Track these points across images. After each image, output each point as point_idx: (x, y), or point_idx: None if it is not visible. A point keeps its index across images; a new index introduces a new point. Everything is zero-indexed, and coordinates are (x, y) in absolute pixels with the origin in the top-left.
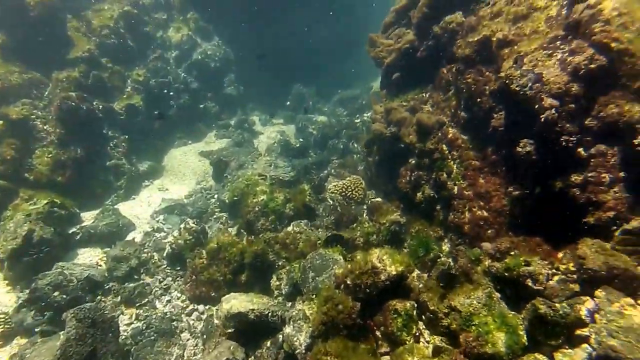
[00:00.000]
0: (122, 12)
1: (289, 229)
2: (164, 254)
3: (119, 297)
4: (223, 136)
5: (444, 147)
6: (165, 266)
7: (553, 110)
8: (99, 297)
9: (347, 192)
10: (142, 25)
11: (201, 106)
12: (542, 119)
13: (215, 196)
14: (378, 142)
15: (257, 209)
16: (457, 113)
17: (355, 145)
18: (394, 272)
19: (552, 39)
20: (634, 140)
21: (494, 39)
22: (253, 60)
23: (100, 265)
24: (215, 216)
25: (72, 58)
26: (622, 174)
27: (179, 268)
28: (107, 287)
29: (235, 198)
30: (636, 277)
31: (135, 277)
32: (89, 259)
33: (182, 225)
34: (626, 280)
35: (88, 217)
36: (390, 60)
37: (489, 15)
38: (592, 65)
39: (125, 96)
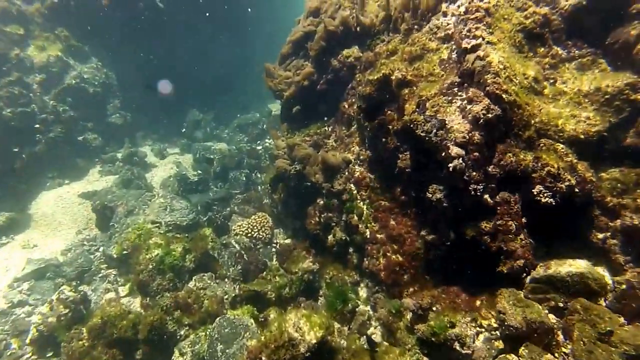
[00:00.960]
0: None
1: (191, 285)
2: (28, 339)
3: None
4: (109, 172)
5: (352, 187)
6: (28, 356)
7: (460, 160)
8: None
9: (253, 232)
10: None
11: (80, 138)
12: (450, 168)
13: (101, 249)
14: (283, 180)
15: (151, 266)
16: (362, 150)
17: (259, 175)
18: (314, 341)
19: (450, 85)
20: (533, 190)
21: (393, 77)
22: (140, 84)
23: None
24: (101, 274)
25: None
26: (524, 220)
27: (51, 354)
28: None
29: (125, 252)
30: (551, 329)
31: None
32: None
33: (54, 296)
34: (543, 333)
35: None
36: (290, 93)
37: (385, 53)
38: (490, 115)
39: None
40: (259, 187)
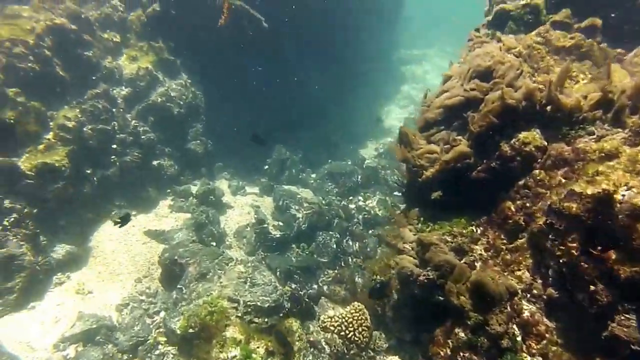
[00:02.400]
0: (51, 25)
1: None
2: None
3: None
4: (180, 209)
5: (516, 331)
6: None
7: None
8: None
9: (347, 331)
10: (81, 47)
11: (154, 163)
12: None
13: (162, 313)
14: (403, 282)
15: None
16: (536, 281)
17: (351, 243)
18: None
19: None
20: None
21: (618, 197)
22: (229, 108)
23: None
24: (157, 351)
25: None
26: None
27: None
28: None
29: (192, 330)
30: None
31: None
32: None
33: None
34: None
35: None
36: (432, 173)
37: (597, 154)
38: None
39: (41, 147)
40: (350, 260)
